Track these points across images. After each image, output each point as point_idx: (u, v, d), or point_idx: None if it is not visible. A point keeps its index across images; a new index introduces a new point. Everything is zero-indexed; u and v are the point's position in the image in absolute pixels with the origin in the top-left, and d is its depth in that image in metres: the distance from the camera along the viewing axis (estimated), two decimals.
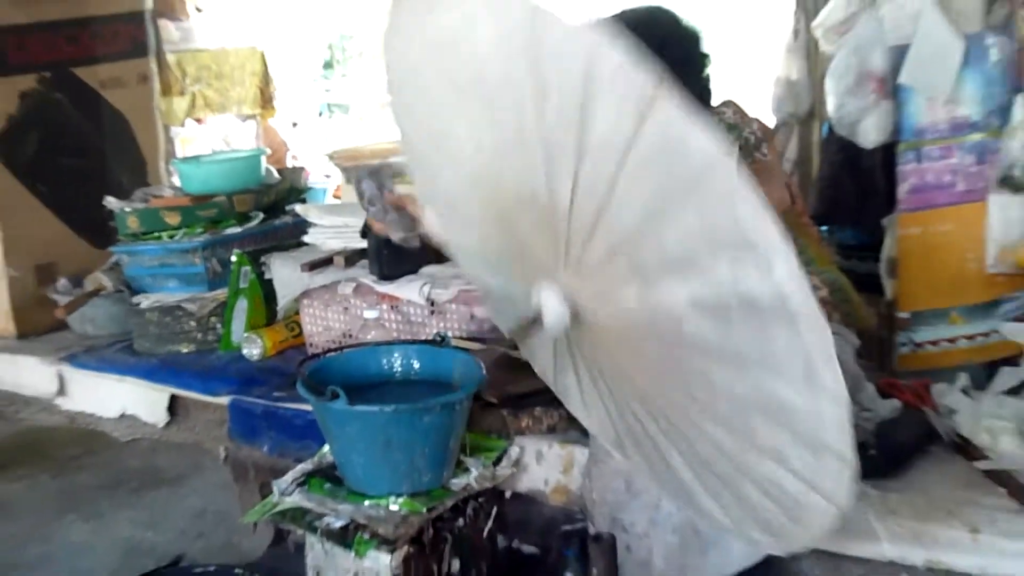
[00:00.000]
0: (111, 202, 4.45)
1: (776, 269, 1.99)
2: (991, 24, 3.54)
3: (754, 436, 2.32)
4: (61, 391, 4.32)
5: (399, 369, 3.46)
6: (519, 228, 2.58)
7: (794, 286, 2.03)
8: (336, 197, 6.21)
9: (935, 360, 3.58)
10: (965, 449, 3.14)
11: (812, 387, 2.12)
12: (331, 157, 6.37)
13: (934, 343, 3.60)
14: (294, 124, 8.80)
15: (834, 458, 2.22)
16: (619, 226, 2.35)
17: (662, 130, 2.02)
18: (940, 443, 3.20)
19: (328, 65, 10.32)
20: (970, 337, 3.58)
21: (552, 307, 2.50)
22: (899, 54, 3.39)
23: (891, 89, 3.48)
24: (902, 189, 3.51)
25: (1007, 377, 3.32)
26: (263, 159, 4.74)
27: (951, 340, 3.58)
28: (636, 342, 2.49)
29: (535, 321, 2.54)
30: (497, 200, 2.56)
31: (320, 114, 9.71)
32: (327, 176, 6.93)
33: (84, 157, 4.83)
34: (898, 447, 3.13)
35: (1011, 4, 3.56)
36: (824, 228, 4.44)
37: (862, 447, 2.99)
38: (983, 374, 3.52)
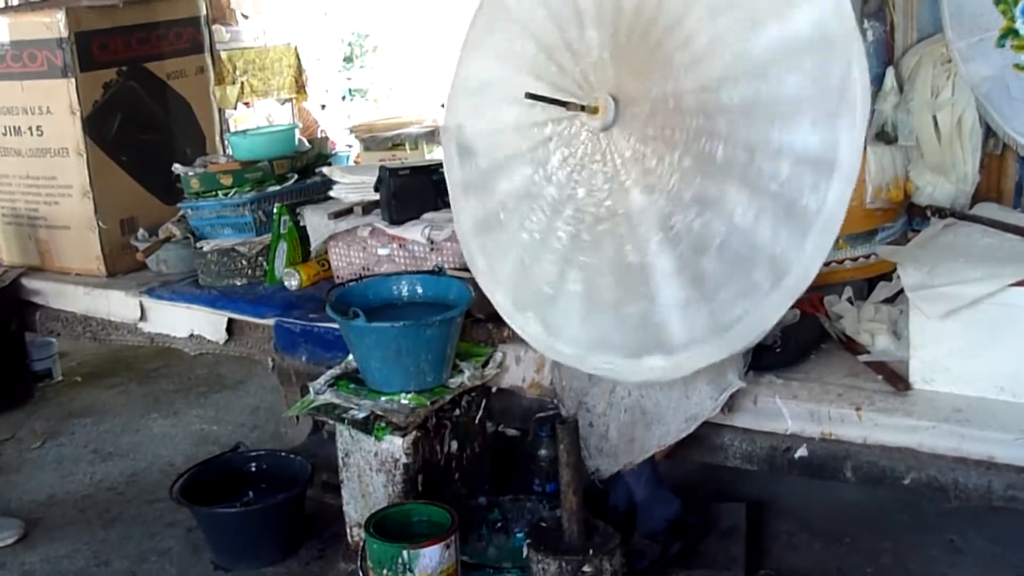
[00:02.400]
0: (178, 168, 4.43)
1: None
2: (867, 12, 3.51)
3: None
4: (142, 317, 4.30)
5: (406, 294, 3.48)
6: None
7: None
8: (356, 162, 6.16)
9: (827, 277, 3.55)
10: (850, 346, 3.14)
11: None
12: (352, 131, 6.35)
13: (826, 264, 3.55)
14: (323, 106, 8.72)
15: None
16: None
17: None
18: (831, 342, 3.21)
19: (348, 59, 10.22)
20: (854, 259, 3.56)
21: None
22: None
23: None
24: None
25: (883, 290, 3.33)
26: (296, 132, 4.71)
27: (839, 261, 3.55)
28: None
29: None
30: None
31: (343, 98, 9.63)
32: (349, 146, 6.87)
33: (155, 133, 4.78)
34: (798, 345, 3.13)
35: None
36: None
37: (770, 346, 3.03)
38: (864, 287, 3.52)
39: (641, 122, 2.65)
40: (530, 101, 2.78)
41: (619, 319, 2.74)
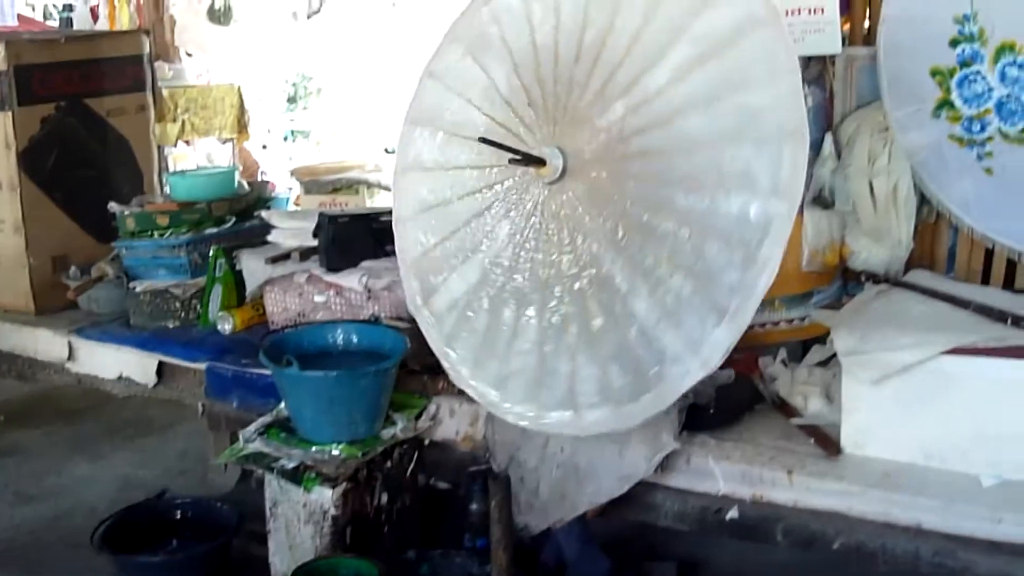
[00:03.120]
0: (114, 206, 4.39)
1: None
2: (808, 78, 3.56)
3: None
4: (71, 357, 4.24)
5: (341, 342, 3.45)
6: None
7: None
8: (296, 205, 6.14)
9: (762, 338, 3.59)
10: (783, 408, 3.16)
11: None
12: (293, 173, 6.34)
13: (762, 325, 3.60)
14: (264, 146, 8.68)
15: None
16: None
17: None
18: (764, 403, 3.22)
19: (292, 99, 10.19)
20: (789, 321, 3.59)
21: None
22: None
23: None
24: None
25: (816, 353, 3.35)
26: (236, 174, 4.70)
27: (775, 323, 3.58)
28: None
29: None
30: None
31: (285, 139, 9.59)
32: (289, 188, 6.85)
33: (92, 170, 4.73)
34: (732, 406, 3.15)
35: (822, 62, 3.59)
36: None
37: (704, 406, 3.05)
38: (799, 350, 3.54)
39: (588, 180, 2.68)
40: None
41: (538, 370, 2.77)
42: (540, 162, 2.69)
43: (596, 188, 2.60)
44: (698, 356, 2.42)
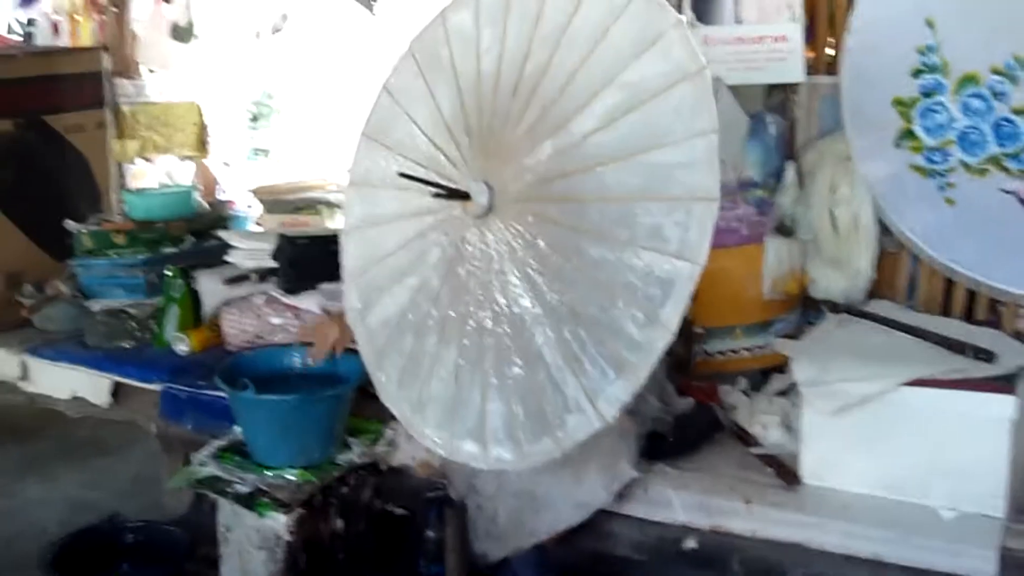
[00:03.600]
0: (70, 224, 4.35)
1: None
2: (770, 106, 3.58)
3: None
4: (24, 376, 4.18)
5: (299, 366, 3.41)
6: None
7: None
8: (257, 224, 6.10)
9: (722, 366, 3.60)
10: (743, 437, 3.15)
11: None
12: (254, 192, 6.28)
13: (722, 353, 3.61)
14: (226, 164, 8.63)
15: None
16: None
17: None
18: (723, 432, 3.21)
19: (255, 118, 10.15)
20: (749, 349, 3.60)
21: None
22: None
23: None
24: None
25: (777, 382, 3.35)
26: (195, 193, 4.68)
27: (735, 351, 3.59)
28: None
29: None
30: None
31: (247, 158, 9.56)
32: (249, 207, 6.80)
33: (49, 187, 4.69)
34: (691, 435, 3.14)
35: (785, 90, 3.60)
36: None
37: (663, 435, 3.04)
38: (759, 378, 3.54)
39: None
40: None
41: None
42: (465, 196, 2.66)
43: (516, 228, 2.59)
44: (595, 407, 2.41)
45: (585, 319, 2.44)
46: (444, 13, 2.93)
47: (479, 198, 2.63)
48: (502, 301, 2.58)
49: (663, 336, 2.34)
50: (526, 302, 2.54)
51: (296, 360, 3.41)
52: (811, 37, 3.58)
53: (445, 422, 2.71)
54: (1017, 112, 3.11)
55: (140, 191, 5.05)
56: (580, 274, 2.46)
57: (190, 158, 7.25)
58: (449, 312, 2.71)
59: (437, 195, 2.68)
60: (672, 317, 2.33)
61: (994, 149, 3.17)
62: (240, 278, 3.95)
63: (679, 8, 3.75)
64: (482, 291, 2.63)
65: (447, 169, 2.78)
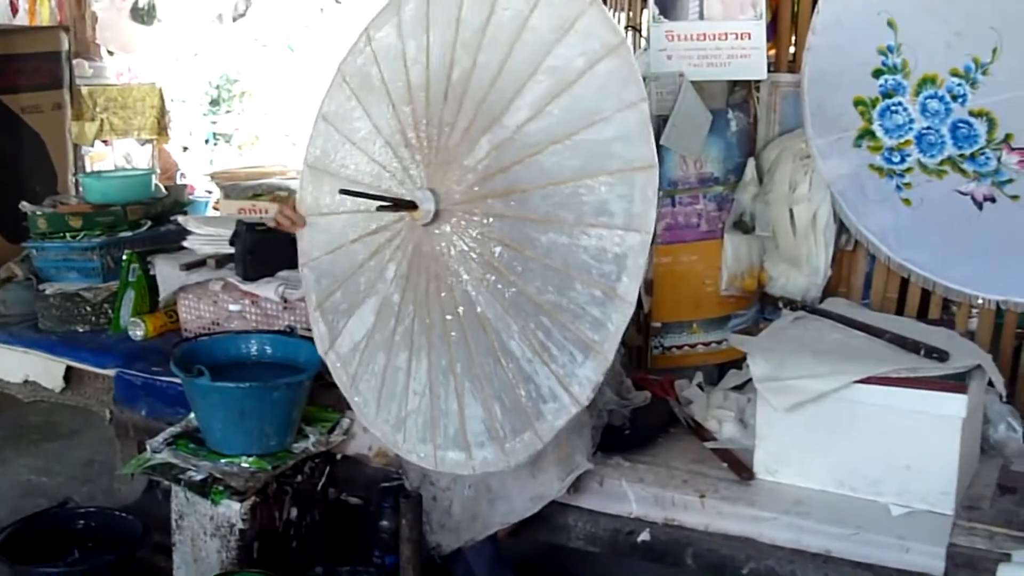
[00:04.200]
0: (25, 206, 4.32)
1: None
2: (732, 103, 3.60)
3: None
4: None
5: (255, 353, 3.42)
6: None
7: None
8: (216, 209, 6.07)
9: (679, 361, 3.63)
10: (698, 431, 3.17)
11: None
12: (213, 177, 6.26)
13: (679, 347, 3.64)
14: (184, 148, 8.62)
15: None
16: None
17: None
18: (679, 426, 3.23)
19: (215, 102, 10.12)
20: (706, 344, 3.63)
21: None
22: (661, 122, 3.42)
23: (655, 148, 3.50)
24: (659, 226, 3.53)
25: (732, 377, 3.37)
26: (153, 177, 4.64)
27: (692, 346, 3.63)
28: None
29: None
30: None
31: (207, 142, 9.51)
32: (208, 192, 6.78)
33: (4, 168, 4.66)
34: (647, 428, 3.16)
35: (747, 87, 3.62)
36: None
37: (619, 428, 3.05)
38: (715, 373, 3.57)
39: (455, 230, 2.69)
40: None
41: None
42: (412, 206, 2.68)
43: (466, 229, 2.62)
44: (569, 393, 2.44)
45: (546, 307, 2.47)
46: (368, 31, 2.96)
47: (425, 204, 2.66)
48: (462, 305, 2.61)
49: (623, 310, 2.38)
50: (485, 301, 2.57)
51: (253, 347, 3.40)
52: (774, 35, 3.61)
53: (427, 435, 2.74)
54: (975, 114, 3.15)
55: (97, 173, 5.01)
56: (534, 263, 2.49)
57: (149, 141, 7.21)
58: (414, 325, 2.74)
59: (382, 207, 2.70)
60: (630, 289, 2.37)
61: (951, 151, 3.21)
62: (197, 264, 3.93)
63: (643, 4, 3.78)
64: (443, 296, 2.66)
65: (391, 183, 2.82)
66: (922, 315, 3.39)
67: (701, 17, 3.54)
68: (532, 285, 2.50)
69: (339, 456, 3.35)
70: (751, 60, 3.52)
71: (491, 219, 2.57)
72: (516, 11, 2.55)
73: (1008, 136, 3.11)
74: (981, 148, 3.16)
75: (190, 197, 5.61)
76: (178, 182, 7.15)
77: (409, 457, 2.83)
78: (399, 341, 2.78)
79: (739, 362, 3.35)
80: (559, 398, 2.48)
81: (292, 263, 3.69)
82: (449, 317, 2.65)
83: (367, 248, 2.88)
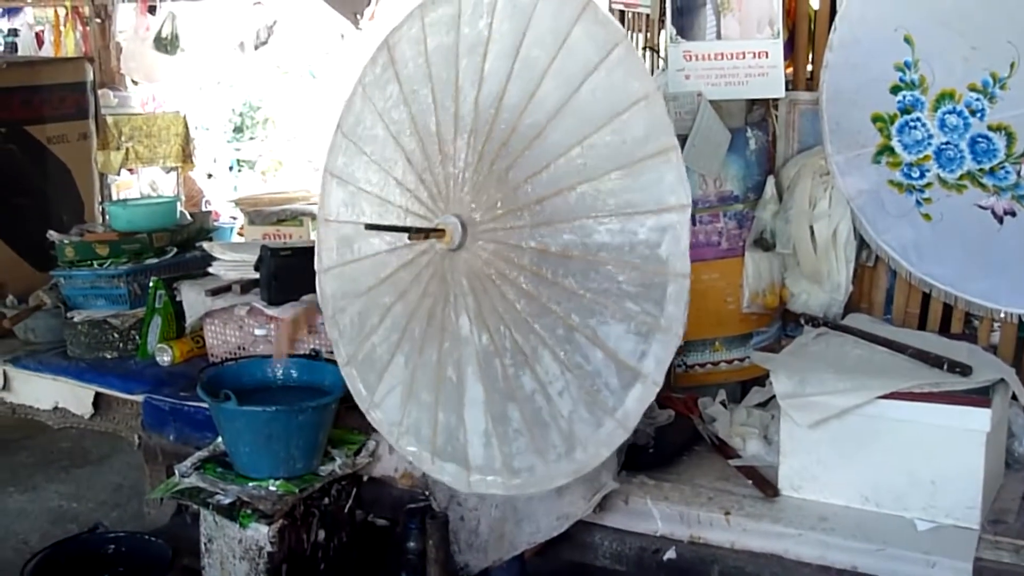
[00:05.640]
0: (53, 235, 4.35)
1: None
2: (751, 121, 3.61)
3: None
4: (5, 387, 4.19)
5: (281, 377, 3.44)
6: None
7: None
8: (240, 235, 6.11)
9: (702, 379, 3.62)
10: (722, 449, 3.16)
11: None
12: (237, 203, 6.30)
13: (702, 365, 3.64)
14: (209, 176, 8.67)
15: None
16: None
17: None
18: (703, 444, 3.23)
19: (238, 129, 10.18)
20: (729, 361, 3.62)
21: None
22: (681, 141, 3.42)
23: None
24: None
25: (756, 394, 3.36)
26: (178, 205, 4.67)
27: (715, 363, 3.62)
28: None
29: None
30: None
31: (231, 169, 9.58)
32: (233, 218, 6.82)
33: (31, 197, 4.70)
34: (671, 447, 3.16)
35: (765, 106, 3.62)
36: None
37: (643, 447, 3.05)
38: (738, 390, 3.57)
39: (483, 258, 2.66)
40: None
41: (432, 418, 2.78)
42: (439, 232, 2.67)
43: (492, 256, 2.63)
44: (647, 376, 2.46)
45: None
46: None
47: (452, 230, 2.65)
48: (492, 327, 2.62)
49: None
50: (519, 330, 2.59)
51: (279, 371, 3.42)
52: (791, 53, 3.61)
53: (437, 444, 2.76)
54: (993, 129, 3.14)
55: (123, 202, 5.04)
56: (556, 326, 2.52)
57: (174, 169, 7.27)
58: (444, 343, 2.74)
59: (412, 237, 2.69)
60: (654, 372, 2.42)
61: (970, 165, 3.20)
62: (223, 289, 3.95)
63: (661, 24, 3.79)
64: (467, 319, 2.66)
65: (417, 207, 2.82)
66: (944, 330, 3.38)
67: (719, 37, 3.55)
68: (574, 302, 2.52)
69: (365, 478, 3.35)
70: (769, 78, 3.52)
71: (521, 252, 2.59)
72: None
73: None
74: (1000, 162, 3.15)
75: (215, 223, 5.65)
76: (203, 209, 7.20)
77: (436, 475, 2.84)
78: (424, 364, 2.79)
79: (762, 379, 3.35)
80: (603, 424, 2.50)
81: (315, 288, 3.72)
82: (481, 340, 2.65)
83: (388, 264, 2.87)
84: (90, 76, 5.04)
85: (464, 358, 2.68)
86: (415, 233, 2.66)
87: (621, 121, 2.44)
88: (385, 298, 2.87)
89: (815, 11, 3.61)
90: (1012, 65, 3.06)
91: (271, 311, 3.72)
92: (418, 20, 2.85)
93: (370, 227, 2.78)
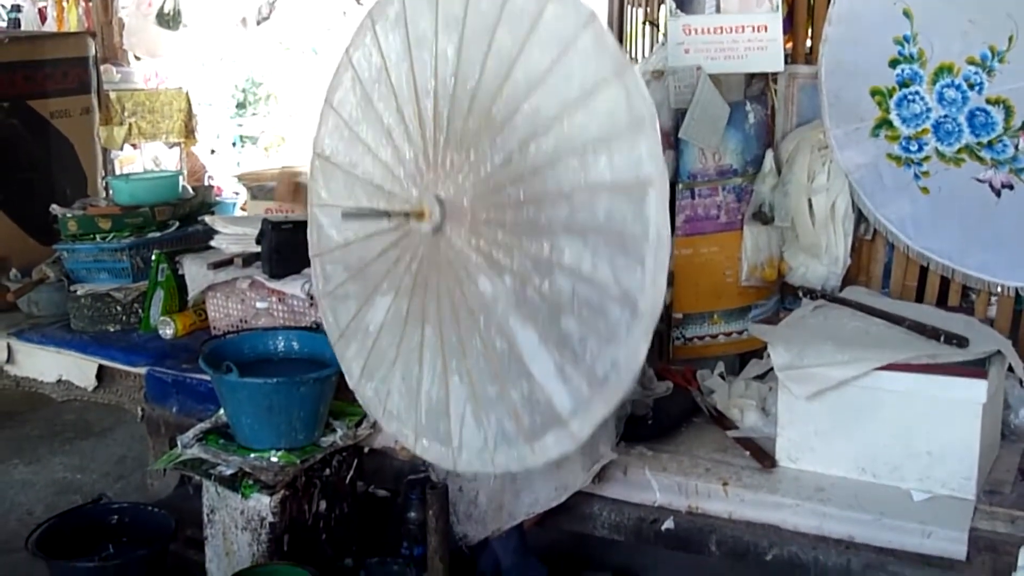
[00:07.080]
0: (56, 209, 4.34)
1: None
2: (750, 95, 3.60)
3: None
4: (9, 359, 4.19)
5: (282, 349, 3.43)
6: None
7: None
8: (243, 210, 6.10)
9: (700, 351, 3.63)
10: (720, 421, 3.17)
11: None
12: (240, 178, 6.28)
13: (700, 338, 3.64)
14: (212, 151, 8.63)
15: None
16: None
17: None
18: (701, 416, 3.24)
19: (241, 105, 10.15)
20: (727, 334, 3.63)
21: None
22: (680, 115, 3.42)
23: (674, 142, 3.51)
24: (679, 219, 3.54)
25: (754, 367, 3.37)
26: (180, 179, 4.66)
27: (713, 336, 3.63)
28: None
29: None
30: None
31: (233, 144, 9.54)
32: (236, 193, 6.80)
33: (34, 172, 4.69)
34: (669, 418, 3.17)
35: (764, 79, 3.61)
36: None
37: (642, 418, 3.05)
38: (736, 363, 3.58)
39: (468, 213, 2.59)
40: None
41: (507, 408, 2.66)
42: (419, 213, 2.63)
43: (471, 234, 2.58)
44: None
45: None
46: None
47: (432, 210, 2.59)
48: (482, 312, 2.57)
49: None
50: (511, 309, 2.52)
51: (280, 343, 3.42)
52: (790, 27, 3.60)
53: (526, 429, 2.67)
54: (991, 102, 3.13)
55: (125, 176, 5.03)
56: (555, 208, 2.40)
57: (177, 144, 7.24)
58: (429, 326, 2.70)
59: (393, 216, 2.66)
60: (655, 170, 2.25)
61: (969, 138, 3.19)
62: (224, 263, 3.95)
63: None
64: (454, 296, 2.62)
65: (397, 188, 2.77)
66: (941, 302, 3.38)
67: (718, 10, 3.54)
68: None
69: (366, 449, 3.35)
70: (768, 52, 3.51)
71: (498, 228, 2.52)
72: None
73: None
74: (998, 136, 3.15)
75: (217, 198, 5.62)
76: (205, 183, 7.18)
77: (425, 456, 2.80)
78: (413, 347, 2.74)
79: (760, 351, 3.35)
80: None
81: None
82: (464, 317, 2.60)
83: (377, 246, 2.83)
84: (92, 51, 5.02)
85: (501, 317, 2.56)
86: (393, 215, 2.64)
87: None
88: (376, 280, 2.85)
89: None
90: (1011, 38, 3.05)
91: (272, 284, 3.72)
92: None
93: (346, 215, 2.73)
